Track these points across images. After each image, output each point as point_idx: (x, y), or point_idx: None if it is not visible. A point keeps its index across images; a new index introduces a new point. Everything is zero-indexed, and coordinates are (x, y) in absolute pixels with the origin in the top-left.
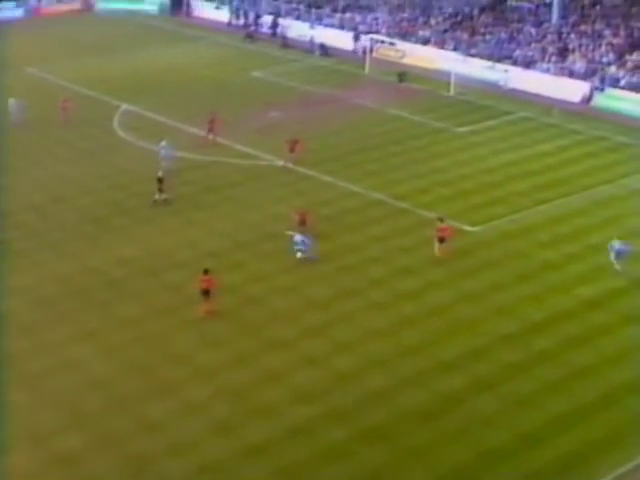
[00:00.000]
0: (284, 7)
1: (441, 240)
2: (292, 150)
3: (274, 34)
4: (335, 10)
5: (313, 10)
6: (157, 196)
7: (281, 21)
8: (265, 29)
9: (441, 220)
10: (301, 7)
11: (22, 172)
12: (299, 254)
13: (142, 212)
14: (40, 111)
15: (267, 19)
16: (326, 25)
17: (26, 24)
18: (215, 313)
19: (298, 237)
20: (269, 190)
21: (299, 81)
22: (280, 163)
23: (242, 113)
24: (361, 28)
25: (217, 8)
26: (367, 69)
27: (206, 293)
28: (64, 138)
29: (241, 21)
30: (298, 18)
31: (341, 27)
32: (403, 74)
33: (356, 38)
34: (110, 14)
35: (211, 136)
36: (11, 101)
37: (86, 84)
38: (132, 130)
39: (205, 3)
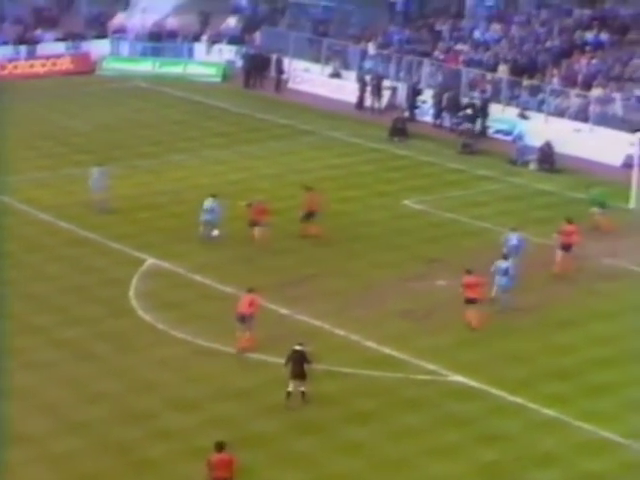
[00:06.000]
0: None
1: None
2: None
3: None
4: (580, 82)
5: (524, 81)
6: None
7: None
8: (428, 116)
9: None
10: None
11: None
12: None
13: (175, 466)
14: None
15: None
16: (550, 112)
17: None
18: None
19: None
20: (429, 437)
21: (494, 220)
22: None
23: (381, 280)
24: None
25: (334, 76)
26: (634, 201)
27: None
28: (33, 321)
29: (384, 101)
30: (496, 95)
31: (582, 117)
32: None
33: None
34: (127, 80)
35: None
36: (94, 171)
37: (77, 216)
38: (164, 307)
39: (311, 66)
